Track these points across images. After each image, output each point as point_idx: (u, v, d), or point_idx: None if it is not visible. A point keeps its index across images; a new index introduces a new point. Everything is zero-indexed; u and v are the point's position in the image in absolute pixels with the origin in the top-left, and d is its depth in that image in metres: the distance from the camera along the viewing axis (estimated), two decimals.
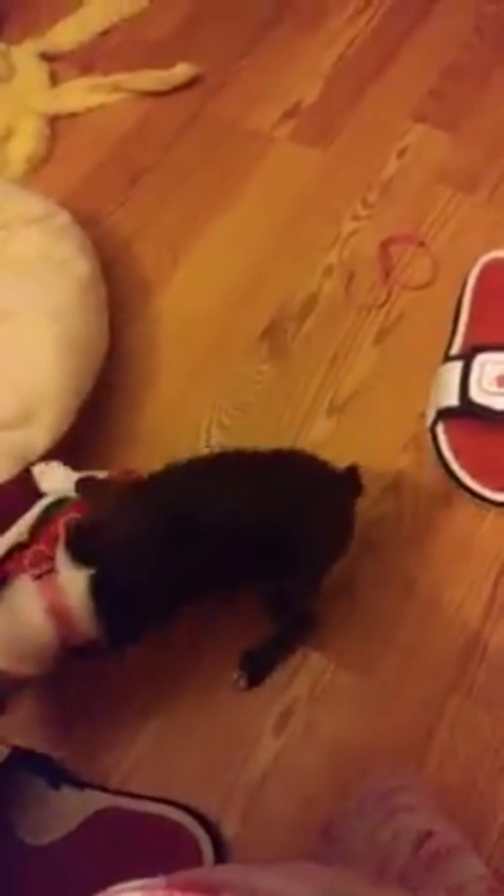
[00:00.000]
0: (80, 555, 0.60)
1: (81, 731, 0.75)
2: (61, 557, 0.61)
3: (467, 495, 0.84)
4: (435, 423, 0.86)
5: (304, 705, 0.75)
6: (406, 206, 1.07)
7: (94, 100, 1.23)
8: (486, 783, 0.71)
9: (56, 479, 0.72)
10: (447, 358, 0.91)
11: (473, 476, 0.83)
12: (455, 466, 0.84)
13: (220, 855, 0.68)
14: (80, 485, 0.68)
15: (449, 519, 0.84)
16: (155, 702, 0.76)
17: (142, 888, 0.32)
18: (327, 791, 0.71)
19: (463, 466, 0.84)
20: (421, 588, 0.81)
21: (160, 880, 0.31)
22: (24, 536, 0.65)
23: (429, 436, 0.87)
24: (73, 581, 0.60)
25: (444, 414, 0.86)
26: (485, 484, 0.83)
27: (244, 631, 0.77)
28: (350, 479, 0.72)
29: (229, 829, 0.70)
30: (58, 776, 0.69)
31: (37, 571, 0.61)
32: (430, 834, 0.46)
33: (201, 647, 0.78)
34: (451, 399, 0.85)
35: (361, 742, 0.74)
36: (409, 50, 1.24)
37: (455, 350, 0.91)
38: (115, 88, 1.23)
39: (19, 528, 0.66)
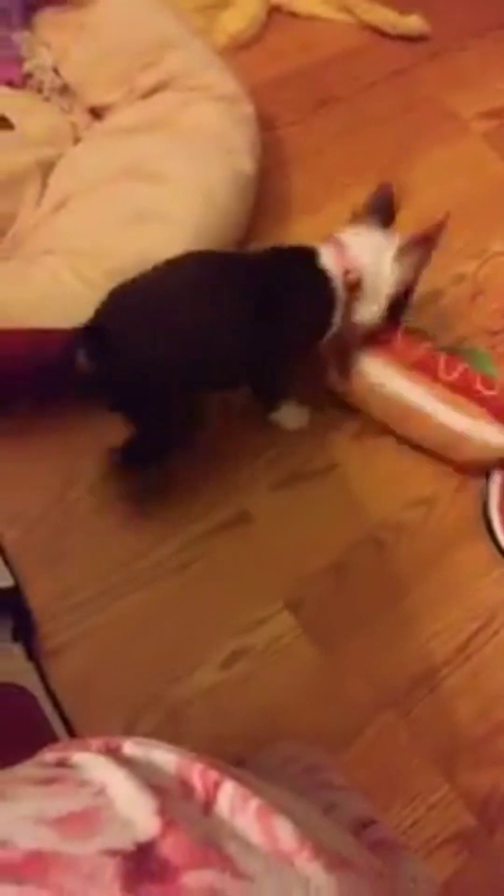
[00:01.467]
0: None
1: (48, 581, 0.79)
2: None
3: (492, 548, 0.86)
4: (490, 475, 0.88)
5: (257, 654, 0.78)
6: None
7: (321, 10, 1.21)
8: (377, 806, 0.73)
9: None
10: None
11: None
12: (497, 525, 0.86)
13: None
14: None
15: (461, 555, 0.86)
16: (126, 585, 0.80)
17: (177, 760, 0.34)
18: (241, 738, 0.74)
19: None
20: (407, 602, 0.83)
21: (193, 755, 0.34)
22: None
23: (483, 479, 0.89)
24: None
25: None
26: None
27: None
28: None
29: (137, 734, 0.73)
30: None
31: None
32: (373, 822, 0.48)
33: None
34: None
35: (293, 712, 0.76)
36: None
37: None
38: (345, 9, 1.21)
39: None
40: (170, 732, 0.74)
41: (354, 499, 0.87)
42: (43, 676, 0.72)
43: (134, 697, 0.75)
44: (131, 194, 0.87)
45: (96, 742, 0.35)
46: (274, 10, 1.19)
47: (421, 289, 0.99)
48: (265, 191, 1.01)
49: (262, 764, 0.64)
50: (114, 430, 0.85)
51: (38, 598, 0.77)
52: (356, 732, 0.77)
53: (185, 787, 0.33)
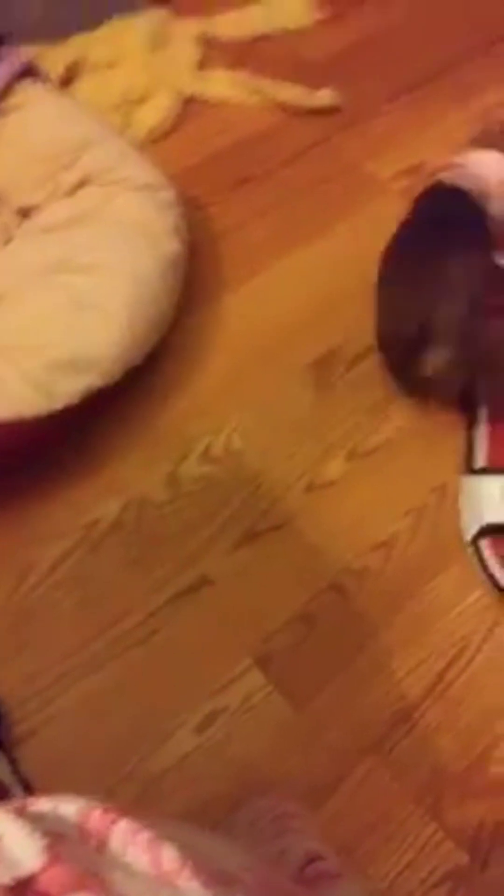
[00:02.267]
0: None
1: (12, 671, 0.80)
2: None
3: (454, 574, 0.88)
4: (478, 536, 0.89)
5: (231, 715, 0.79)
6: None
7: (232, 94, 1.28)
8: (366, 852, 0.73)
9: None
10: (477, 470, 0.93)
11: None
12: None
13: None
14: None
15: (426, 591, 0.87)
16: (91, 664, 0.81)
17: (79, 808, 0.36)
18: (221, 804, 0.74)
19: None
20: (376, 644, 0.84)
21: (97, 803, 0.36)
22: None
23: (470, 548, 0.89)
24: None
25: (489, 530, 0.88)
26: None
27: None
28: None
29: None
30: None
31: None
32: (319, 857, 0.50)
33: None
34: (499, 516, 0.88)
35: (271, 769, 0.77)
36: None
37: (482, 462, 0.93)
38: (256, 91, 1.28)
39: None
40: (148, 805, 0.74)
41: (313, 550, 0.89)
42: (14, 764, 0.72)
43: (108, 776, 0.75)
44: (65, 287, 0.91)
45: (14, 803, 0.37)
46: (188, 101, 1.26)
47: (360, 341, 1.04)
48: (194, 269, 1.06)
49: (231, 825, 0.64)
50: (64, 517, 0.88)
51: (2, 688, 0.78)
52: (338, 781, 0.77)
53: (83, 831, 0.35)
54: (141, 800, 0.74)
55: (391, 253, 0.98)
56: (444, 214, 0.97)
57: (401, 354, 0.94)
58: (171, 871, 0.33)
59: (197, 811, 0.73)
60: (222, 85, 1.30)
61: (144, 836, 0.34)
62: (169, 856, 0.33)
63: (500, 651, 0.84)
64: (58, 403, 0.85)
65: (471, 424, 0.97)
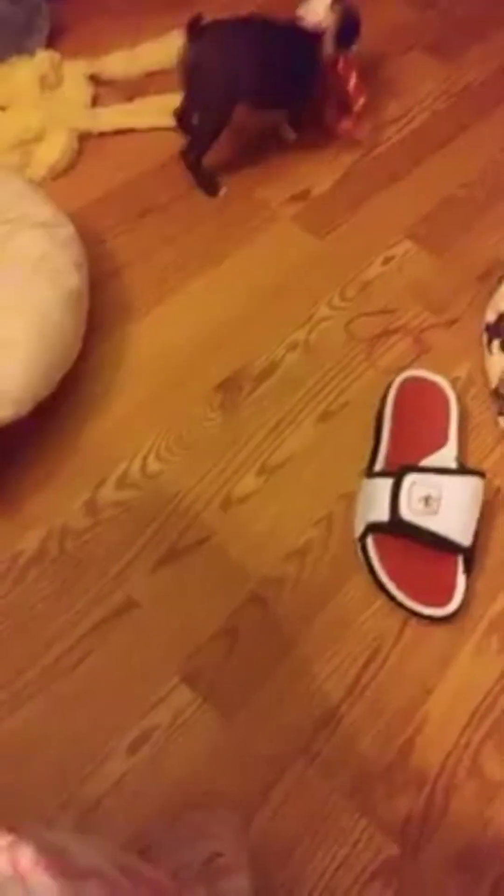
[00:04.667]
0: None
1: None
2: None
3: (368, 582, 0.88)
4: (364, 534, 0.90)
5: (162, 733, 0.77)
6: (377, 308, 1.12)
7: (125, 122, 1.28)
8: (303, 852, 0.73)
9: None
10: (373, 473, 0.94)
11: (400, 587, 0.86)
12: (384, 578, 0.87)
13: None
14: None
15: (340, 596, 0.88)
16: (22, 695, 0.78)
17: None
18: (159, 821, 0.72)
19: (392, 578, 0.87)
20: (297, 651, 0.84)
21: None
22: None
23: (357, 545, 0.90)
24: None
25: (374, 528, 0.89)
26: (411, 596, 0.86)
27: None
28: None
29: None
30: None
31: None
32: (219, 854, 0.50)
33: None
34: (382, 515, 0.89)
35: (204, 782, 0.76)
36: (418, 173, 1.30)
37: (380, 466, 0.95)
38: (146, 114, 1.29)
39: None
40: (88, 829, 0.71)
41: (232, 564, 0.88)
42: None
43: (46, 803, 0.73)
44: None
45: None
46: (84, 138, 1.24)
47: (261, 360, 1.04)
48: (102, 298, 1.05)
49: (163, 842, 0.64)
50: None
51: None
52: (270, 786, 0.76)
53: None
54: (80, 826, 0.72)
55: None
56: None
57: None
58: (25, 869, 0.35)
59: (136, 832, 0.71)
60: (115, 116, 1.29)
61: (3, 841, 0.36)
62: (25, 855, 0.35)
63: (411, 650, 0.85)
64: None
65: (378, 431, 0.98)
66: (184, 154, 1.21)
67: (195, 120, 1.20)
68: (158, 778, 0.75)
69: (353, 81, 1.22)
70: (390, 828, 0.75)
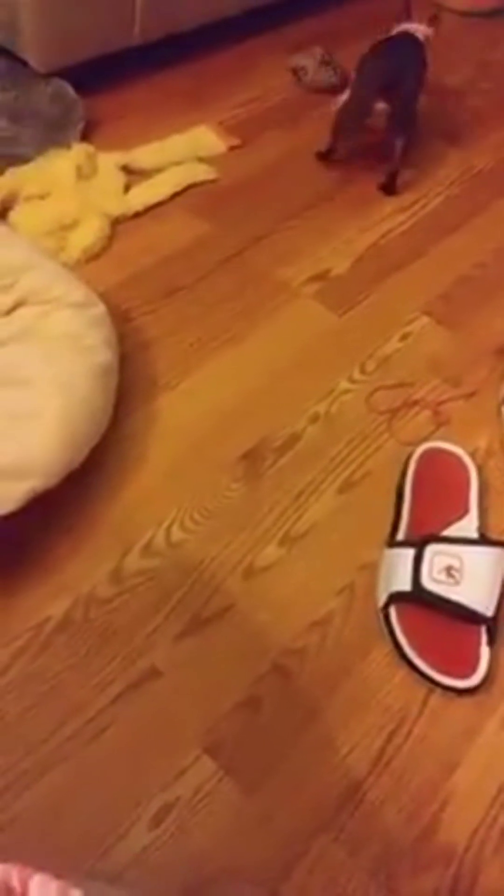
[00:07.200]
0: None
1: None
2: None
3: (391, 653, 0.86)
4: (387, 604, 0.88)
5: (184, 805, 0.74)
6: (396, 381, 1.12)
7: (153, 196, 1.34)
8: None
9: None
10: (395, 543, 0.93)
11: (423, 658, 0.84)
12: (408, 649, 0.85)
13: None
14: None
15: (362, 666, 0.85)
16: (42, 765, 0.76)
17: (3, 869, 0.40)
18: (181, 891, 0.70)
19: (415, 649, 0.85)
20: (320, 723, 0.81)
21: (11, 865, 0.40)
22: None
23: (380, 615, 0.88)
24: None
25: (397, 597, 0.87)
26: (435, 667, 0.84)
27: None
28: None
29: None
30: None
31: None
32: None
33: None
34: (405, 585, 0.87)
35: (226, 856, 0.73)
36: (434, 253, 1.33)
37: (402, 536, 0.94)
38: (170, 184, 1.36)
39: None
40: None
41: (255, 634, 0.87)
42: None
43: (67, 877, 0.69)
44: (3, 400, 0.89)
45: None
46: (115, 223, 1.28)
47: (283, 432, 1.04)
48: (130, 374, 1.06)
49: None
50: (14, 620, 0.84)
51: None
52: (293, 862, 0.73)
53: (8, 888, 0.39)
54: None
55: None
56: None
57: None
58: None
59: None
60: (142, 196, 1.33)
61: (55, 885, 0.39)
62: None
63: (436, 722, 0.82)
64: (2, 509, 0.82)
65: (399, 501, 0.97)
66: (390, 130, 1.37)
67: (397, 109, 1.34)
68: (180, 851, 0.72)
69: None
70: None
